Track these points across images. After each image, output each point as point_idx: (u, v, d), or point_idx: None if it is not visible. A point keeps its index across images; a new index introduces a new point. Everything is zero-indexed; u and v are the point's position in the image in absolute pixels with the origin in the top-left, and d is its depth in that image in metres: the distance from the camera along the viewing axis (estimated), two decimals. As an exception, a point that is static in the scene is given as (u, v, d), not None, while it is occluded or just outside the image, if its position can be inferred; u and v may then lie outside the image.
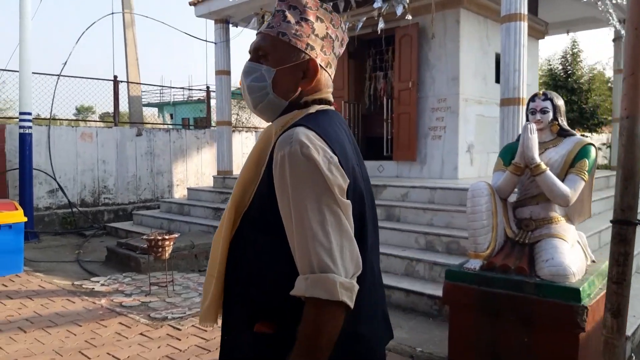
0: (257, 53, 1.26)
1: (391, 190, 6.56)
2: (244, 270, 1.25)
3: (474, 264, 3.15)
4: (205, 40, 9.27)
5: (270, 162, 1.16)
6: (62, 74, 9.02)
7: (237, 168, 9.78)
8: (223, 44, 8.81)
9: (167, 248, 4.90)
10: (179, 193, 10.67)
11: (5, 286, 5.19)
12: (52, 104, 8.87)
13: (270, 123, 1.29)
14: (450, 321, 3.20)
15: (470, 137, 7.53)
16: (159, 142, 10.30)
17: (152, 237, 4.84)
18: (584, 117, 15.77)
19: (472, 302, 3.07)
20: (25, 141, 7.85)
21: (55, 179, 8.67)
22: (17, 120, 8.00)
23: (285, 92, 1.25)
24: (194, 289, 5.12)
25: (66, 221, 8.74)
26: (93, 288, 5.21)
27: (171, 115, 30.33)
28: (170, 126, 12.90)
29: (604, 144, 22.06)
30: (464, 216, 5.70)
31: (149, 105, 29.46)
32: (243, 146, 11.72)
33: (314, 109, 1.26)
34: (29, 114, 7.88)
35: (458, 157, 7.31)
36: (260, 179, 1.20)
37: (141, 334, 3.89)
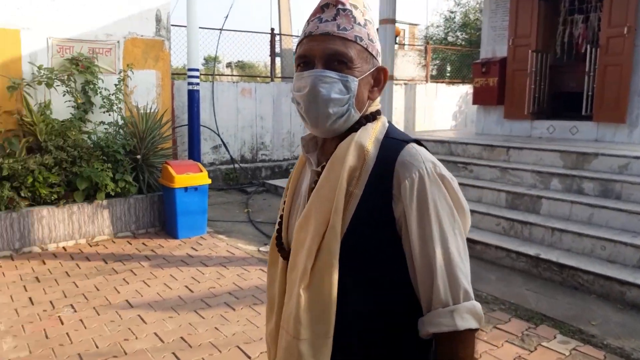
0: (335, 59, 1.07)
1: (604, 160, 5.49)
2: (357, 317, 1.08)
3: None
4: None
5: (373, 182, 1.06)
6: (223, 28, 8.90)
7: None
8: (389, -11, 8.00)
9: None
10: (330, 150, 10.39)
11: (196, 250, 5.19)
12: (215, 59, 8.84)
13: (353, 138, 1.10)
14: None
15: (702, 94, 6.07)
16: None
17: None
18: None
19: None
20: (193, 98, 7.88)
21: (219, 135, 8.76)
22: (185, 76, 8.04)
23: (361, 104, 1.12)
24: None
25: (229, 177, 8.85)
26: (280, 257, 5.01)
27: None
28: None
29: None
30: None
31: (276, 55, 29.55)
32: (395, 101, 11.00)
33: (383, 119, 1.17)
34: (197, 70, 7.85)
35: (686, 120, 5.95)
36: (360, 202, 1.05)
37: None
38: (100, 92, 5.93)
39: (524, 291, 4.18)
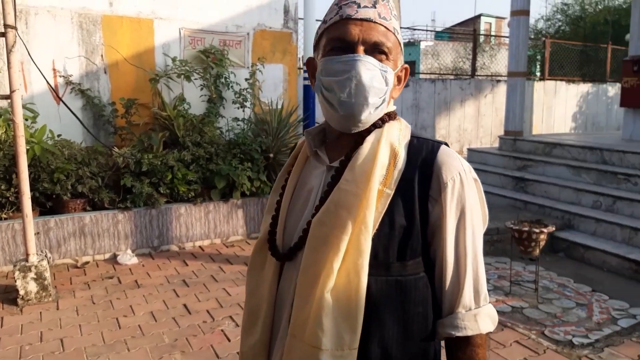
0: (377, 48, 1.00)
1: None
2: (384, 325, 1.00)
3: None
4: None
5: (407, 183, 1.01)
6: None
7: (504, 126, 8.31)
8: (526, -23, 7.29)
9: (540, 243, 3.92)
10: (439, 150, 9.78)
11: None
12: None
13: (381, 134, 1.04)
14: None
15: None
16: (424, 93, 9.40)
17: (526, 229, 3.88)
18: None
19: None
20: (309, 93, 7.51)
21: (331, 132, 8.42)
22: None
23: (389, 99, 1.07)
24: (559, 293, 4.11)
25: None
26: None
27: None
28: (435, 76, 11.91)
29: None
30: None
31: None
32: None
33: (403, 120, 1.12)
34: (314, 63, 7.54)
35: None
36: (391, 203, 0.99)
37: (562, 367, 3.01)
38: (231, 87, 5.69)
39: None
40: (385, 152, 1.02)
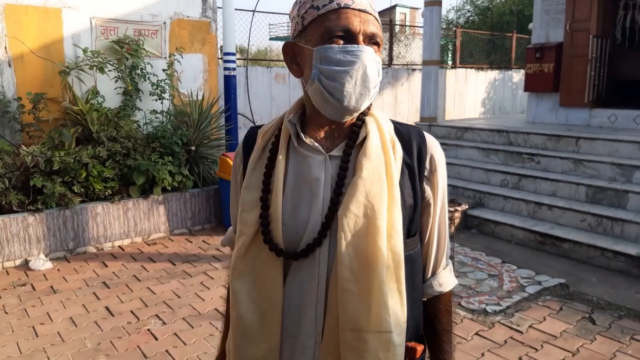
0: (373, 40, 1.02)
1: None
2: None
3: None
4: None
5: (406, 165, 1.08)
6: (256, 9, 8.43)
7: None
8: (437, -31, 7.60)
9: (455, 220, 4.16)
10: (361, 138, 10.01)
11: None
12: (249, 42, 8.38)
13: (378, 122, 1.09)
14: None
15: None
16: (344, 82, 9.57)
17: (442, 209, 4.10)
18: None
19: None
20: (230, 84, 7.44)
21: (254, 124, 8.35)
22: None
23: None
24: (473, 267, 4.39)
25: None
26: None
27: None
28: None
29: None
30: None
31: (277, 39, 28.81)
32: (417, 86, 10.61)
33: None
34: (233, 54, 7.41)
35: None
36: (400, 185, 1.05)
37: (478, 334, 3.23)
38: (148, 78, 5.50)
39: (635, 295, 3.90)
40: (388, 138, 1.07)
